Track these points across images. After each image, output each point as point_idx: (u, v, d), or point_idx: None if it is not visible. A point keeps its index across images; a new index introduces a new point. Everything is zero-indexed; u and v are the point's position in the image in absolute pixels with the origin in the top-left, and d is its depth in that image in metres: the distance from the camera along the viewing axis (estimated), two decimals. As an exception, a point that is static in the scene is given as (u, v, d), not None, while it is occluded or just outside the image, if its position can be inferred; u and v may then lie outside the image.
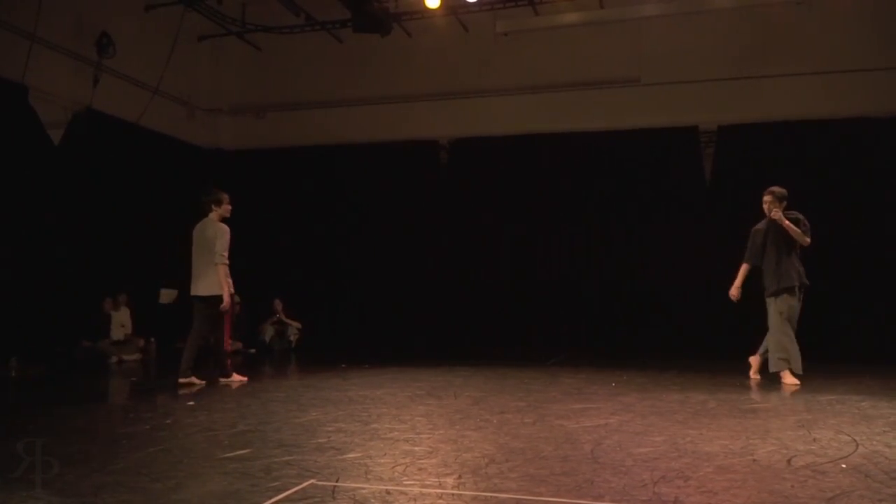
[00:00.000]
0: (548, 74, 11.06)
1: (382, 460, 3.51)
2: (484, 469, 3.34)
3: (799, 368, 6.49)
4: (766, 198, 6.76)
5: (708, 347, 9.46)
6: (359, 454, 3.64)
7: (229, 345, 6.87)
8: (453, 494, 2.92)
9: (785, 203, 6.71)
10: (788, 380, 6.45)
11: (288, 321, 10.99)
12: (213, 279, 6.51)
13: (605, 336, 10.35)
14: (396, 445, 3.86)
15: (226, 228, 6.68)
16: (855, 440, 3.93)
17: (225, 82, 12.28)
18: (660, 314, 10.13)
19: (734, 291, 6.96)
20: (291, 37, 11.42)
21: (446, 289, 11.02)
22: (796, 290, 6.63)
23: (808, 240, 6.63)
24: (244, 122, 12.34)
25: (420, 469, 3.33)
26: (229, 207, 6.88)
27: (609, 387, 6.34)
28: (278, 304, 10.98)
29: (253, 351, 10.45)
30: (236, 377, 6.83)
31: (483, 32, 11.13)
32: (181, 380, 6.48)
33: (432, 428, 4.39)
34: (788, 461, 3.46)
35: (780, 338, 6.55)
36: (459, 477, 3.20)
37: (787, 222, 6.58)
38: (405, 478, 3.18)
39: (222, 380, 6.74)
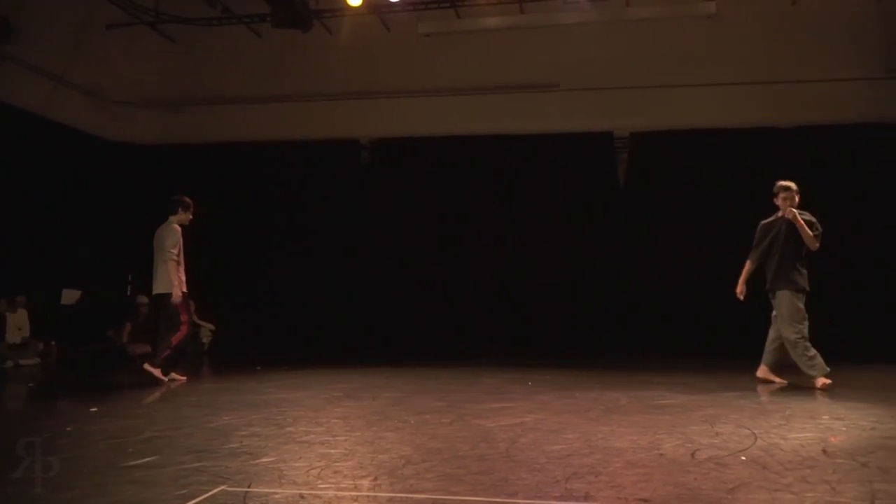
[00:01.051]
0: (470, 77, 11.17)
1: (297, 464, 3.45)
2: (400, 470, 3.33)
3: (824, 369, 6.10)
4: (783, 193, 6.36)
5: (623, 346, 9.78)
6: (273, 458, 3.57)
7: (178, 340, 6.91)
8: (368, 497, 2.90)
9: (798, 198, 6.35)
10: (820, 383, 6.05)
11: (201, 322, 10.65)
12: (167, 278, 6.78)
13: (526, 335, 10.51)
14: (312, 448, 3.80)
15: (178, 229, 6.93)
16: (754, 433, 4.12)
17: (138, 74, 11.83)
18: (577, 313, 10.39)
19: (739, 289, 6.60)
20: (208, 30, 11.11)
21: (367, 289, 10.95)
22: (800, 290, 6.29)
23: (818, 244, 6.28)
24: (158, 116, 11.92)
25: (335, 472, 3.30)
26: (190, 217, 7.10)
27: (527, 386, 6.44)
28: (190, 305, 10.61)
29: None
30: (175, 376, 6.87)
31: (405, 33, 11.14)
32: (166, 377, 6.72)
33: (349, 430, 4.35)
34: (692, 455, 3.60)
35: (788, 338, 6.22)
36: (375, 479, 3.18)
37: (801, 221, 6.22)
38: (320, 481, 3.14)
39: (147, 365, 6.75)
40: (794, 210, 6.27)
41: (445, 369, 7.78)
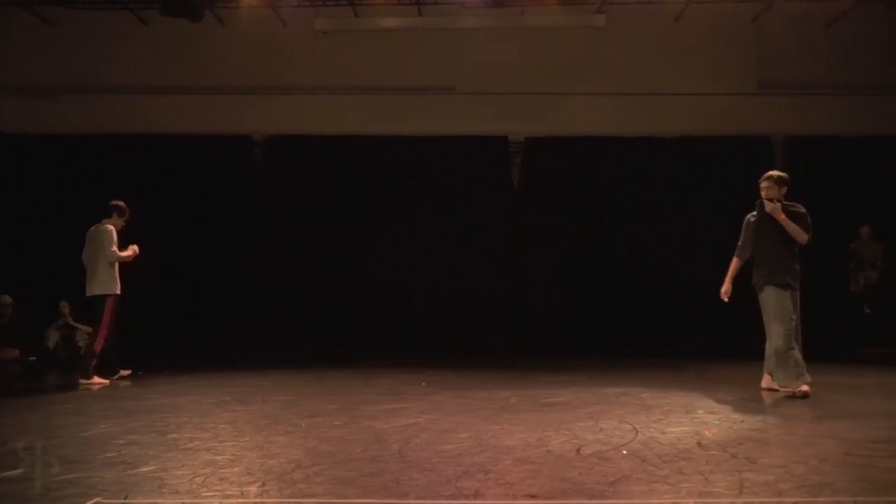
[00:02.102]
0: (367, 76, 11.11)
1: (180, 472, 3.31)
2: (290, 475, 3.26)
3: (805, 375, 5.58)
4: (763, 183, 5.91)
5: (516, 345, 10.02)
6: (153, 467, 3.40)
7: (100, 346, 6.92)
8: (256, 503, 2.82)
9: (785, 189, 5.88)
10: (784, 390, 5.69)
11: (76, 325, 10.04)
12: (103, 279, 6.91)
13: (420, 336, 10.56)
14: (196, 455, 3.66)
15: (114, 230, 7.08)
16: (635, 428, 4.31)
17: (8, 58, 11.00)
18: (470, 314, 10.54)
19: (725, 288, 6.21)
20: (90, 14, 10.50)
21: (260, 288, 10.67)
22: (786, 287, 5.78)
23: (807, 237, 5.80)
24: (31, 104, 11.12)
25: (221, 479, 3.18)
26: (123, 223, 7.24)
27: (421, 387, 6.47)
28: (65, 307, 10.00)
29: (33, 359, 9.43)
30: (97, 379, 6.81)
31: (302, 29, 10.95)
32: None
33: (237, 435, 4.21)
34: (578, 450, 3.73)
35: (774, 343, 5.71)
36: (263, 484, 3.09)
37: (782, 217, 5.76)
38: (204, 489, 3.02)
39: (82, 381, 6.73)
40: (775, 203, 5.79)
41: (339, 371, 7.70)
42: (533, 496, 2.91)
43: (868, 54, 10.68)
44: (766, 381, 5.96)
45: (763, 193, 5.90)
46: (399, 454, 3.68)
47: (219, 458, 3.60)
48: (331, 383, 6.73)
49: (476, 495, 2.93)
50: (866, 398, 5.56)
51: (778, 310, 5.71)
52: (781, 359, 5.61)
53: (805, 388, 5.52)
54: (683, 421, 4.58)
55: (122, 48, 11.08)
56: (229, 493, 2.97)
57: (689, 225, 10.60)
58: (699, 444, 3.87)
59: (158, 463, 3.49)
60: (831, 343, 9.69)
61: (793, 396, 5.49)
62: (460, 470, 3.33)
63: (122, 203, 7.12)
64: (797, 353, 5.62)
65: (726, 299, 6.22)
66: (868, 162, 10.45)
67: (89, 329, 10.00)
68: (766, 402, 5.43)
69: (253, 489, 3.02)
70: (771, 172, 5.97)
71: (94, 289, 6.93)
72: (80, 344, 9.95)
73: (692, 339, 10.04)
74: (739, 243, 6.21)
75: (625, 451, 3.68)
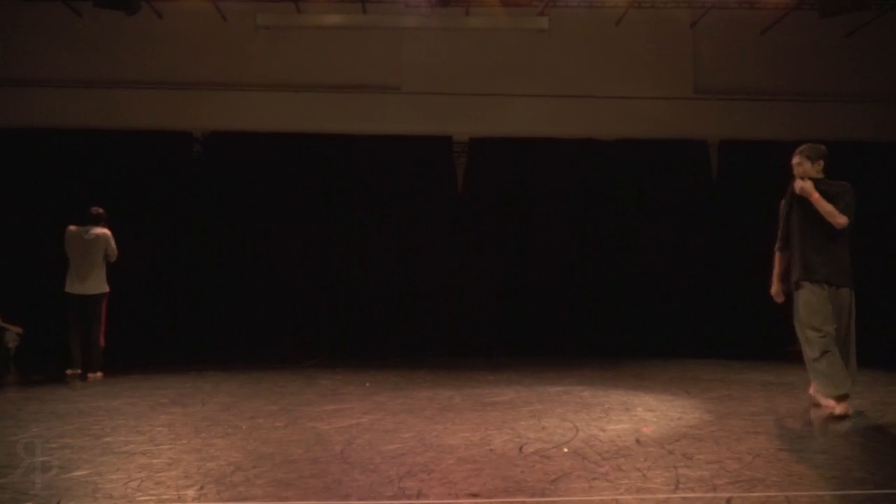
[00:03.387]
0: (310, 74, 10.96)
1: (114, 476, 3.21)
2: (229, 477, 3.20)
3: (838, 388, 4.72)
4: (795, 159, 5.04)
5: (459, 345, 10.06)
6: (87, 472, 3.29)
7: (103, 338, 7.47)
8: (193, 508, 2.76)
9: (822, 163, 4.98)
10: (824, 402, 4.92)
11: (6, 325, 9.61)
12: (103, 278, 7.49)
13: (363, 336, 10.48)
14: (132, 459, 3.55)
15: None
16: (576, 426, 4.38)
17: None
18: (412, 314, 10.52)
19: (774, 289, 5.33)
20: (20, 4, 10.07)
21: (198, 288, 10.41)
22: (820, 283, 4.81)
23: (844, 220, 4.76)
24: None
25: (157, 483, 3.10)
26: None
27: (363, 387, 6.43)
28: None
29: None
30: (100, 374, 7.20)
31: (243, 24, 10.74)
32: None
33: (174, 438, 4.11)
34: (520, 448, 3.76)
35: (803, 348, 4.90)
36: (201, 488, 3.03)
37: (815, 196, 4.81)
38: (140, 493, 2.94)
39: (90, 375, 7.13)
40: (806, 181, 4.89)
41: (280, 372, 7.58)
42: (475, 495, 2.92)
43: (800, 62, 11.08)
44: (812, 389, 5.16)
45: (795, 171, 5.01)
46: (341, 455, 3.65)
47: (155, 461, 3.51)
48: (270, 384, 6.61)
49: (419, 495, 2.93)
50: (795, 395, 5.77)
51: (804, 312, 4.82)
52: (812, 370, 4.82)
53: (840, 408, 4.65)
54: (623, 419, 4.68)
55: (54, 40, 10.65)
56: (165, 497, 2.89)
57: (628, 226, 10.82)
58: (638, 441, 3.96)
59: (92, 467, 3.37)
60: (764, 342, 10.06)
61: (832, 416, 4.68)
62: (403, 470, 3.32)
63: (102, 210, 7.64)
64: (830, 363, 4.66)
65: (779, 300, 5.32)
66: (799, 167, 10.86)
67: (20, 329, 9.62)
68: (703, 399, 5.58)
69: (190, 493, 2.95)
70: (803, 146, 5.08)
71: (96, 287, 7.46)
72: (10, 345, 9.52)
73: (632, 338, 10.26)
74: (779, 234, 5.26)
75: (566, 449, 3.74)
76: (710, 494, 2.90)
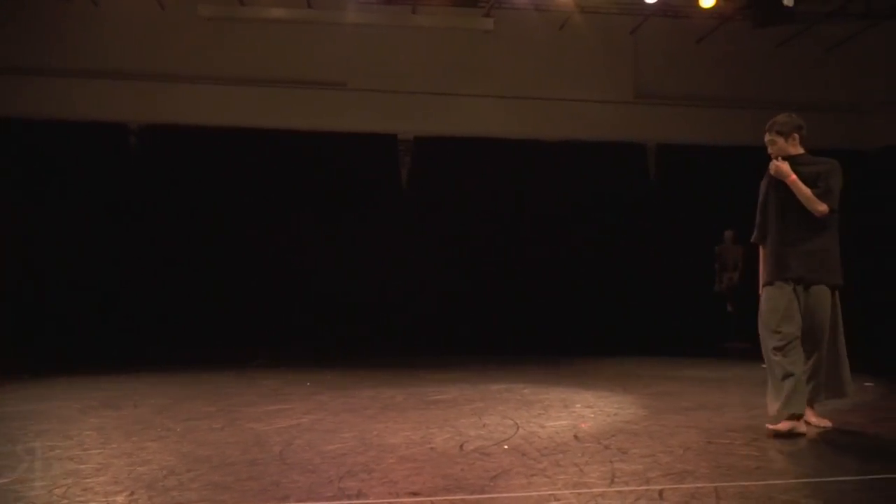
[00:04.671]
0: (253, 68, 10.77)
1: (39, 483, 3.09)
2: (161, 482, 3.12)
3: (793, 407, 3.96)
4: (766, 137, 4.32)
5: (402, 344, 10.03)
6: (8, 479, 3.16)
7: None
8: (124, 512, 2.68)
9: (797, 135, 4.25)
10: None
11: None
12: None
13: (306, 336, 10.33)
14: (59, 465, 3.43)
15: None
16: (516, 423, 4.43)
17: None
18: (356, 312, 10.44)
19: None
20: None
21: (134, 285, 10.11)
22: (787, 280, 4.14)
23: (824, 207, 4.05)
24: None
25: (85, 489, 3.00)
26: None
27: (305, 387, 6.35)
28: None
29: None
30: None
31: (184, 14, 10.43)
32: None
33: (104, 442, 3.98)
34: (461, 446, 3.78)
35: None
36: (132, 493, 2.94)
37: (792, 178, 4.13)
38: (65, 500, 2.84)
39: None
40: (780, 161, 4.22)
41: (219, 372, 7.41)
42: (415, 494, 2.93)
43: (734, 70, 11.44)
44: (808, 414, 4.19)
45: (769, 151, 4.32)
46: (280, 456, 3.60)
47: (83, 466, 3.39)
48: (208, 385, 6.47)
49: (358, 495, 2.92)
50: (727, 390, 5.97)
51: (764, 310, 4.24)
52: (769, 377, 4.14)
53: (782, 425, 3.95)
54: (562, 415, 4.75)
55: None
56: (93, 503, 2.80)
57: (569, 226, 11.00)
58: (576, 437, 4.03)
59: (15, 474, 3.24)
60: (699, 339, 10.35)
61: (774, 431, 3.98)
62: (343, 470, 3.30)
63: None
64: (784, 377, 3.98)
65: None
66: (733, 170, 11.18)
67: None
68: (640, 395, 5.71)
69: (120, 499, 2.87)
70: (772, 120, 4.34)
71: None
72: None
73: (574, 336, 10.42)
74: (756, 223, 4.56)
75: (506, 446, 3.77)
76: (644, 487, 2.97)
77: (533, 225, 10.94)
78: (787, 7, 9.45)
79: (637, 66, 11.50)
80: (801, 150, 4.30)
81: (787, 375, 3.97)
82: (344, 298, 10.46)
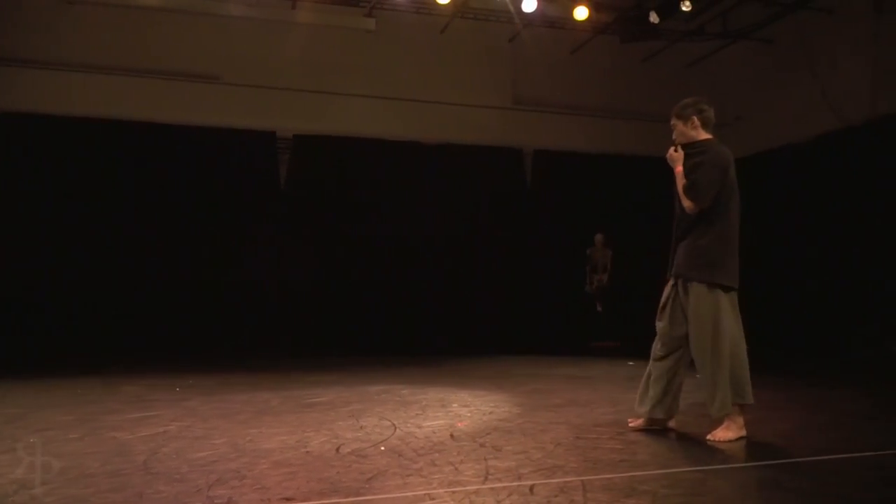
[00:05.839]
0: (121, 56, 10.19)
1: None
2: (11, 497, 2.89)
3: (644, 405, 4.13)
4: (671, 122, 4.15)
5: (278, 345, 9.83)
6: None
7: None
8: (-36, 534, 2.46)
9: (697, 120, 4.02)
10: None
11: None
12: None
13: (175, 337, 9.84)
14: None
15: None
16: (394, 424, 4.44)
17: None
18: (231, 312, 10.11)
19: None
20: None
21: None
22: (671, 278, 4.07)
23: (689, 204, 3.88)
24: None
25: (-81, 509, 2.73)
26: None
27: (173, 392, 6.07)
28: None
29: None
30: None
31: (43, -3, 9.74)
32: None
33: (-56, 457, 3.63)
34: (337, 449, 3.75)
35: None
36: (-25, 511, 2.71)
37: (678, 169, 3.99)
38: None
39: None
40: (676, 150, 4.07)
41: (79, 378, 6.95)
42: (289, 499, 2.87)
43: (604, 81, 12.03)
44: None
45: (673, 136, 4.16)
46: (144, 466, 3.43)
47: (-83, 485, 3.08)
48: (66, 393, 6.04)
49: (228, 503, 2.83)
50: (595, 387, 6.26)
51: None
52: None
53: (638, 422, 4.15)
54: (439, 415, 4.81)
55: None
56: (-71, 525, 2.56)
57: (447, 228, 11.17)
58: (452, 436, 4.09)
59: None
60: (570, 338, 10.81)
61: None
62: (213, 478, 3.18)
63: None
64: (646, 373, 4.10)
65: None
66: (604, 176, 11.79)
67: None
68: (514, 393, 5.87)
69: (-39, 518, 2.63)
70: (677, 105, 4.12)
71: None
72: None
73: (453, 337, 10.58)
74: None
75: (383, 448, 3.77)
76: (516, 483, 3.06)
77: (411, 226, 11.02)
78: (652, 24, 10.07)
79: (516, 73, 11.84)
80: (705, 136, 4.04)
81: (647, 373, 4.12)
82: (219, 299, 10.10)
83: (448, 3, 10.16)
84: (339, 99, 10.90)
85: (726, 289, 3.90)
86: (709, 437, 3.89)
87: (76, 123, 9.87)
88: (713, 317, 3.85)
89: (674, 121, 4.10)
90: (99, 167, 9.94)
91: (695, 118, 4.03)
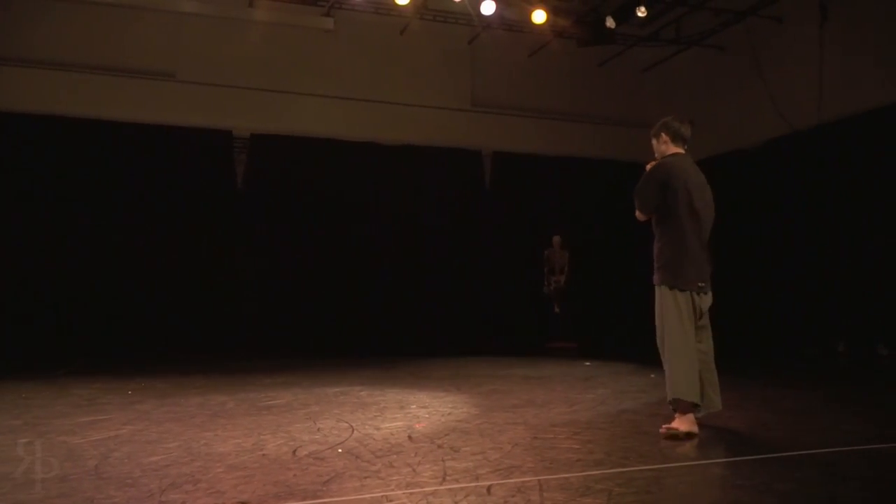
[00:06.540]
0: (74, 52, 9.94)
1: None
2: (-47, 506, 2.80)
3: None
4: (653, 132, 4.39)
5: (234, 347, 9.69)
6: None
7: None
8: None
9: (665, 136, 4.28)
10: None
11: None
12: None
13: (126, 340, 9.64)
14: None
15: None
16: (352, 426, 4.42)
17: None
18: (186, 313, 9.93)
19: None
20: None
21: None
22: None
23: (637, 213, 4.31)
24: None
25: None
26: None
27: (125, 395, 5.94)
28: None
29: None
30: None
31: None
32: None
33: None
34: (294, 452, 3.72)
35: None
36: (-85, 521, 2.61)
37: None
38: None
39: None
40: (649, 164, 4.34)
41: (26, 381, 6.74)
42: (244, 503, 2.84)
43: (561, 84, 12.16)
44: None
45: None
46: (95, 471, 3.35)
47: None
48: (13, 396, 5.86)
49: (183, 507, 2.78)
50: (552, 388, 6.32)
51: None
52: None
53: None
54: (397, 416, 4.80)
55: None
56: None
57: (405, 228, 11.17)
58: (410, 437, 4.09)
59: None
60: (528, 339, 10.89)
61: None
62: (166, 482, 3.13)
63: None
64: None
65: None
66: (562, 179, 11.92)
67: None
68: (472, 394, 5.90)
69: None
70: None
71: None
72: None
73: (411, 338, 10.57)
74: None
75: (340, 450, 3.76)
76: (474, 484, 3.08)
77: (369, 227, 10.99)
78: (609, 29, 10.22)
79: (474, 75, 11.89)
80: (673, 150, 4.28)
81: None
82: (171, 298, 9.91)
83: (407, 4, 10.16)
84: (297, 98, 10.81)
85: (681, 290, 4.12)
86: (662, 427, 4.08)
87: (21, 119, 9.57)
88: (661, 315, 4.18)
89: (651, 138, 4.40)
90: (47, 166, 9.67)
91: (663, 134, 4.31)
